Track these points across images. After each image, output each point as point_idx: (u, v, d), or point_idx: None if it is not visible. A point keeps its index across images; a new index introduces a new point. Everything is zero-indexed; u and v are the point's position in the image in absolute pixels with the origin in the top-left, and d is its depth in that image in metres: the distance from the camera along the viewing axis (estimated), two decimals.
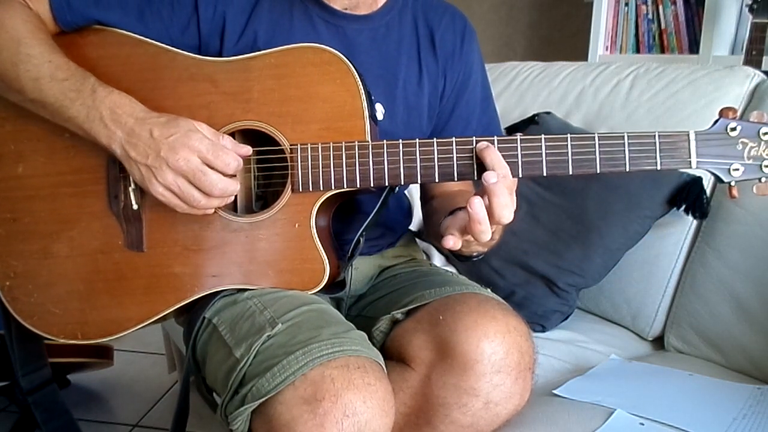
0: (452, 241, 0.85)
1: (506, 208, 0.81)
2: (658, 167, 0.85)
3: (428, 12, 1.09)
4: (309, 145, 0.91)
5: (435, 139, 0.88)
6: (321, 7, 1.01)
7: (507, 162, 0.84)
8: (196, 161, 0.85)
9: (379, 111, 1.00)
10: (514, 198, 0.84)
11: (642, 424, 0.90)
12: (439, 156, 0.88)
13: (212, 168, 0.86)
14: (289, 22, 1.00)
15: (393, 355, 0.93)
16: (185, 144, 0.85)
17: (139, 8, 0.97)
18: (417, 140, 0.89)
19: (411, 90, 1.06)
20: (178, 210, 0.89)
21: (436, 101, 1.10)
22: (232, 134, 0.95)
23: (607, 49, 2.45)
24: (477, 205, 0.80)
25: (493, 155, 0.84)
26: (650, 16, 2.36)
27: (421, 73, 1.07)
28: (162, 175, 0.85)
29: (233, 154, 0.87)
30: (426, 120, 1.10)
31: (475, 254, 1.00)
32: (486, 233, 0.81)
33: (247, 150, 0.90)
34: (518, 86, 1.67)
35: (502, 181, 0.81)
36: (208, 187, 0.85)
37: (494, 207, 0.81)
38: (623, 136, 0.85)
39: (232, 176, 0.88)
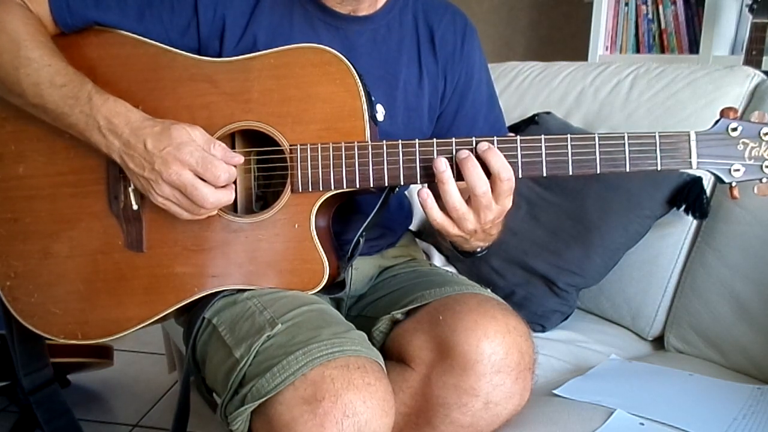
0: (425, 192, 0.87)
1: (480, 179, 0.84)
2: (659, 168, 0.85)
3: (428, 11, 1.09)
4: (309, 146, 0.91)
5: (435, 140, 0.88)
6: (321, 10, 1.01)
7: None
8: (187, 175, 0.85)
9: (380, 112, 1.00)
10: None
11: (642, 424, 0.90)
12: (440, 156, 0.87)
13: (204, 180, 0.86)
14: (289, 25, 1.00)
15: (393, 355, 0.93)
16: (176, 158, 0.85)
17: (139, 10, 0.97)
18: (417, 141, 0.89)
19: (411, 91, 1.06)
20: (180, 217, 0.90)
21: (436, 102, 1.10)
22: (232, 135, 0.95)
23: (607, 49, 2.45)
24: (440, 163, 0.85)
25: (496, 158, 0.84)
26: (650, 16, 2.36)
27: (421, 74, 1.07)
28: (159, 188, 0.87)
29: (223, 165, 0.87)
30: (426, 121, 1.10)
31: (478, 250, 1.00)
32: (455, 195, 0.85)
33: (239, 159, 0.90)
34: (518, 86, 1.67)
35: (506, 182, 0.84)
36: (200, 200, 0.86)
37: (466, 174, 0.84)
38: (623, 137, 0.85)
39: (228, 185, 0.89)
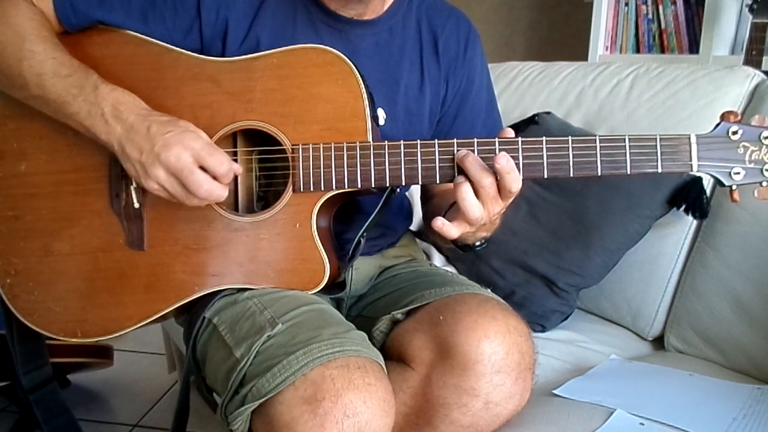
0: (440, 222, 0.86)
1: (484, 170, 0.84)
2: (659, 170, 0.85)
3: (432, 16, 1.09)
4: (310, 146, 0.91)
5: (436, 140, 0.88)
6: (325, 13, 1.01)
7: None
8: (187, 159, 0.85)
9: (381, 116, 1.00)
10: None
11: (642, 424, 0.90)
12: (441, 157, 0.88)
13: (205, 167, 0.86)
14: (292, 28, 1.00)
15: (393, 355, 0.93)
16: (180, 141, 0.85)
17: (143, 11, 0.97)
18: (418, 141, 0.89)
19: (412, 95, 1.06)
20: (173, 201, 0.89)
21: (437, 107, 1.10)
22: (234, 134, 0.95)
23: (607, 49, 2.46)
24: (459, 177, 0.84)
25: (508, 162, 0.83)
26: (650, 16, 2.36)
27: (423, 78, 1.07)
28: (154, 171, 0.86)
29: (227, 155, 0.87)
30: (427, 125, 1.10)
31: (477, 243, 1.00)
32: (475, 208, 0.84)
33: (239, 169, 0.90)
34: (518, 86, 1.67)
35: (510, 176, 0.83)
36: (194, 187, 0.85)
37: (469, 170, 0.84)
38: (624, 139, 0.85)
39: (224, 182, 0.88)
